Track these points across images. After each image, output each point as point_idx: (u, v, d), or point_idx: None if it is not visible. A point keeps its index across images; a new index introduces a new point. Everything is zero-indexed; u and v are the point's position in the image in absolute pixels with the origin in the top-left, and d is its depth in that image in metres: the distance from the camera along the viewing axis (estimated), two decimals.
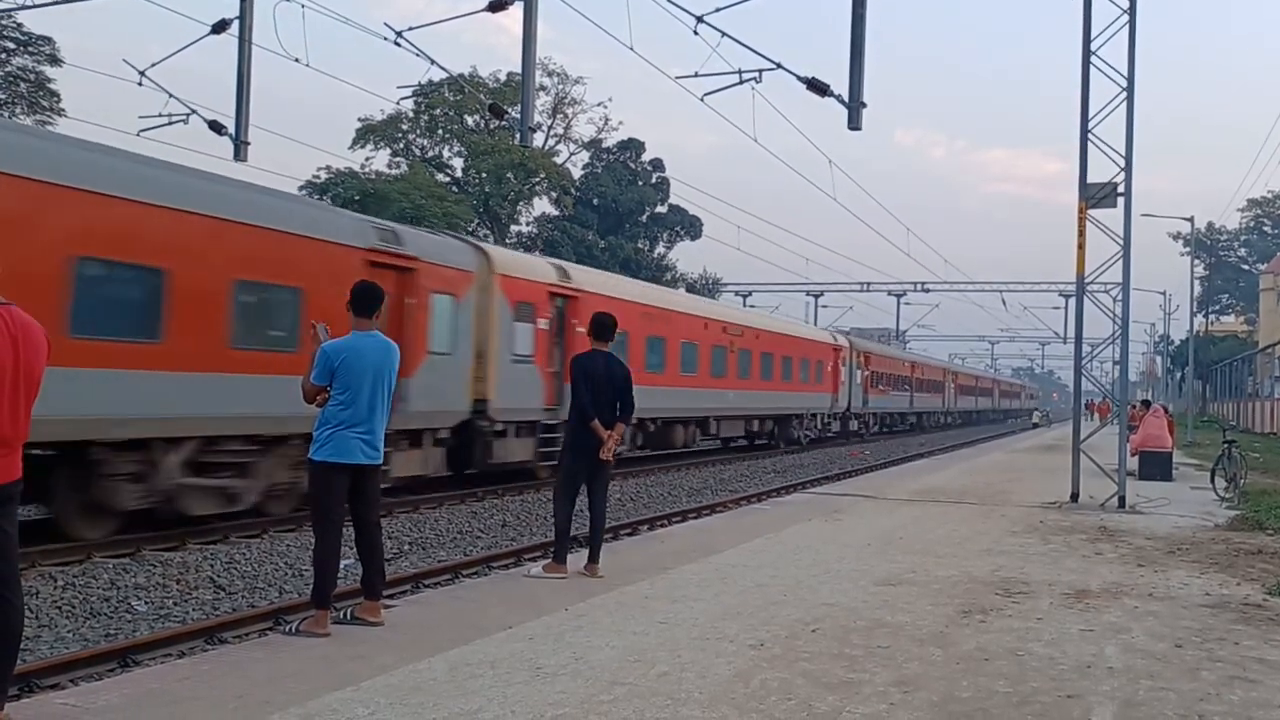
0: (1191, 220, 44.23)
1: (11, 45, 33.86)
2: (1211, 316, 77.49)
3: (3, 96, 33.92)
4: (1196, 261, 58.05)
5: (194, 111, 16.29)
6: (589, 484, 8.01)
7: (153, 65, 16.15)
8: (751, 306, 51.44)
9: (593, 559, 8.01)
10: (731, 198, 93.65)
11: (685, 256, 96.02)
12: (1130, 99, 13.43)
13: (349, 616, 6.12)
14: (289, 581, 10.33)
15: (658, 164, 58.34)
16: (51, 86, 34.69)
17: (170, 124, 16.36)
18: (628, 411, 7.97)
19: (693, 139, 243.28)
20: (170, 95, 16.16)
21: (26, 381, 4.17)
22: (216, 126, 16.07)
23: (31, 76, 34.53)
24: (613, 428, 7.80)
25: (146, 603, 9.22)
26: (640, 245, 57.39)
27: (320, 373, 5.92)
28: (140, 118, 16.38)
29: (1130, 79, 13.44)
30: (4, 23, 32.02)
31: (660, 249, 59.61)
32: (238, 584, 10.16)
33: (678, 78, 14.93)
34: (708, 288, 59.51)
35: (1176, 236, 69.07)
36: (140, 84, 16.17)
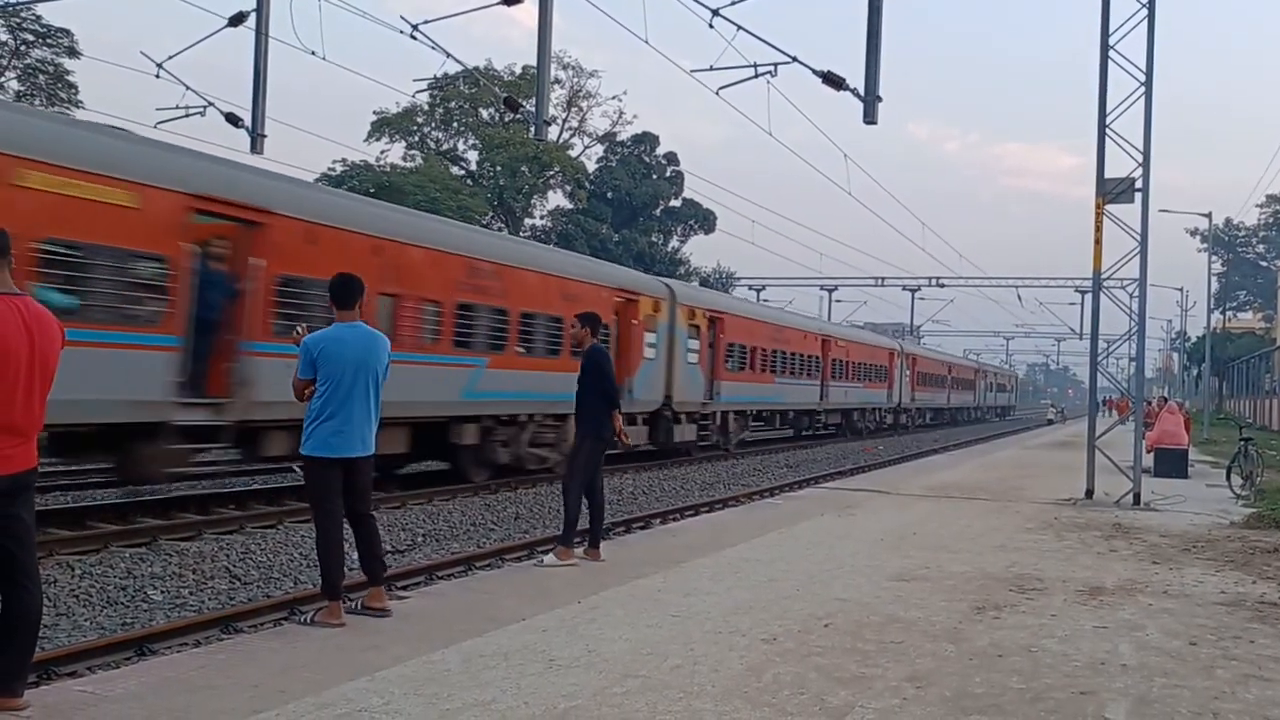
0: (1209, 216, 43.79)
1: (31, 37, 34.08)
2: (1229, 313, 76.93)
3: (22, 88, 34.15)
4: (1214, 258, 57.66)
5: (211, 104, 16.37)
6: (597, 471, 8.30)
7: (170, 58, 16.24)
8: (766, 301, 51.13)
9: (595, 543, 8.24)
10: (746, 191, 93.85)
11: (699, 250, 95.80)
12: (1149, 94, 13.33)
13: (359, 607, 6.15)
14: (304, 572, 10.38)
15: (672, 157, 58.40)
16: (70, 78, 34.93)
17: (187, 116, 16.47)
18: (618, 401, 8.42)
19: (707, 132, 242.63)
20: (187, 88, 16.25)
21: (41, 371, 4.20)
22: (233, 119, 16.13)
23: (50, 68, 34.76)
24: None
25: (163, 592, 9.29)
26: (654, 239, 57.40)
27: (303, 366, 5.92)
28: (158, 109, 16.49)
29: (1149, 74, 13.34)
30: (24, 15, 32.21)
31: (674, 243, 59.60)
32: (253, 574, 10.21)
33: (693, 71, 14.93)
34: (721, 282, 59.44)
35: (1194, 232, 68.60)
36: (158, 76, 16.26)
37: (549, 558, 8.17)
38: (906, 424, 48.17)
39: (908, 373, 46.91)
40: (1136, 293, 14.35)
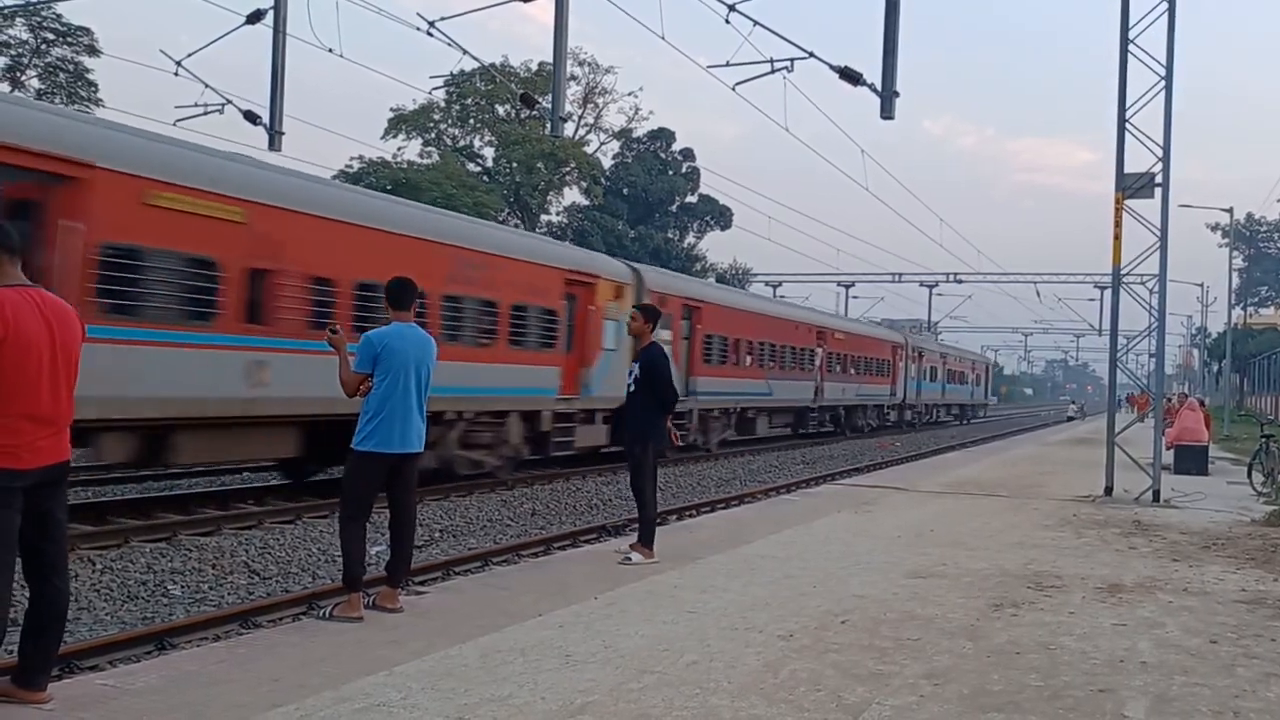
0: (1230, 211, 43.46)
1: (51, 36, 34.30)
2: (1250, 309, 76.24)
3: (43, 86, 34.40)
4: (1235, 253, 57.11)
5: (229, 101, 16.49)
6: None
7: (189, 55, 16.36)
8: (783, 298, 50.94)
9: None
10: (762, 187, 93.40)
11: (715, 246, 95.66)
12: (1169, 89, 13.23)
13: (370, 604, 6.18)
14: (322, 567, 10.44)
15: (688, 153, 58.30)
16: (90, 77, 35.14)
17: (206, 114, 16.60)
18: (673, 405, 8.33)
19: (723, 128, 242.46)
20: (206, 85, 16.36)
21: (65, 362, 4.16)
22: (251, 116, 16.23)
23: (71, 67, 34.98)
24: None
25: (182, 587, 9.36)
26: (670, 235, 57.36)
27: (363, 360, 5.99)
28: (176, 107, 16.62)
29: (1169, 68, 13.23)
30: (44, 14, 32.45)
31: (690, 239, 59.55)
32: (272, 569, 10.27)
33: (709, 67, 14.90)
34: (737, 278, 59.36)
35: (1215, 227, 67.88)
36: (176, 74, 16.37)
37: (636, 556, 8.01)
38: (696, 441, 23.16)
39: (685, 341, 22.74)
40: (1156, 288, 14.30)
